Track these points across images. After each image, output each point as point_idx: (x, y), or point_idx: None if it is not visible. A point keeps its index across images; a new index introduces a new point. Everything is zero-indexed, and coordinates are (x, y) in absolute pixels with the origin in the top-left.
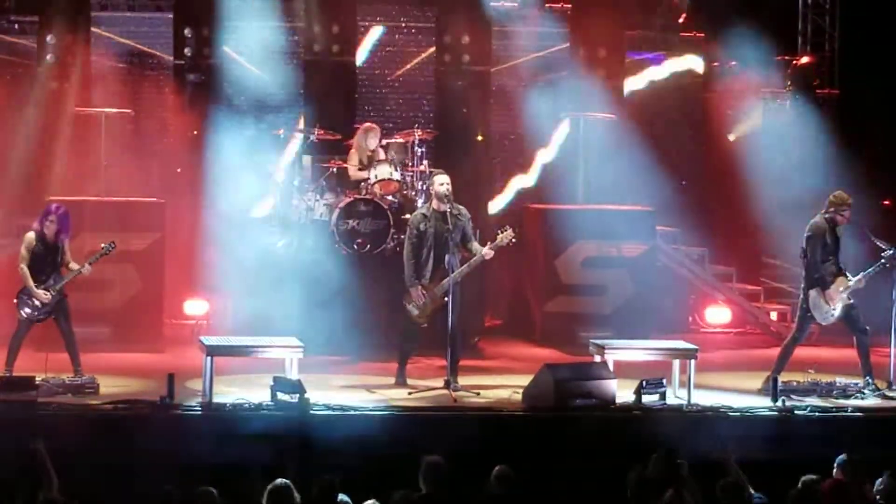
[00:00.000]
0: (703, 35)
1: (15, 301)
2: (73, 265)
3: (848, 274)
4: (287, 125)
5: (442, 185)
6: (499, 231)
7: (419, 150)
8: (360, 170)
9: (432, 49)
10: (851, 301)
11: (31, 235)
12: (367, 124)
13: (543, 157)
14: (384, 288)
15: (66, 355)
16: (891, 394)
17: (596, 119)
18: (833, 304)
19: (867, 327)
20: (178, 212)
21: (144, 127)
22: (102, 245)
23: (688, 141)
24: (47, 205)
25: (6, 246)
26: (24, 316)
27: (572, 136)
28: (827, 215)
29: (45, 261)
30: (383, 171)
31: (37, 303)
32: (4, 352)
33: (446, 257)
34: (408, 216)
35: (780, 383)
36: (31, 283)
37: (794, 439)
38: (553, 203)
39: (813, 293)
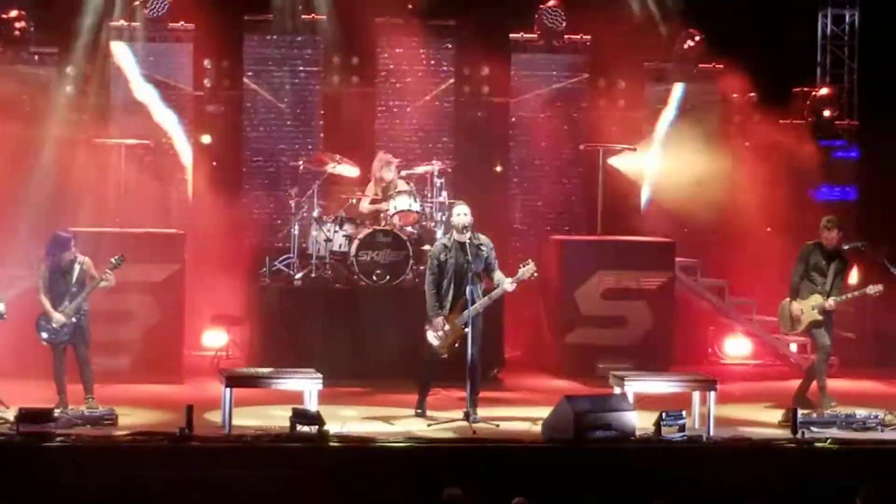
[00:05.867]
0: (721, 66)
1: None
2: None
3: (832, 297)
4: (306, 156)
5: (459, 215)
6: (521, 265)
7: (438, 181)
8: (373, 202)
9: (452, 80)
10: (821, 318)
11: (42, 265)
12: (383, 155)
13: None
14: (403, 319)
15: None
16: None
17: (615, 149)
18: (797, 318)
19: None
20: (197, 243)
21: (163, 158)
22: (112, 260)
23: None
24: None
25: (24, 277)
26: (44, 339)
27: (592, 167)
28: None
29: (59, 286)
30: (402, 202)
31: (54, 325)
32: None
33: (467, 288)
34: (427, 247)
35: (799, 415)
36: (47, 306)
37: (815, 471)
38: (572, 234)
39: (783, 302)
